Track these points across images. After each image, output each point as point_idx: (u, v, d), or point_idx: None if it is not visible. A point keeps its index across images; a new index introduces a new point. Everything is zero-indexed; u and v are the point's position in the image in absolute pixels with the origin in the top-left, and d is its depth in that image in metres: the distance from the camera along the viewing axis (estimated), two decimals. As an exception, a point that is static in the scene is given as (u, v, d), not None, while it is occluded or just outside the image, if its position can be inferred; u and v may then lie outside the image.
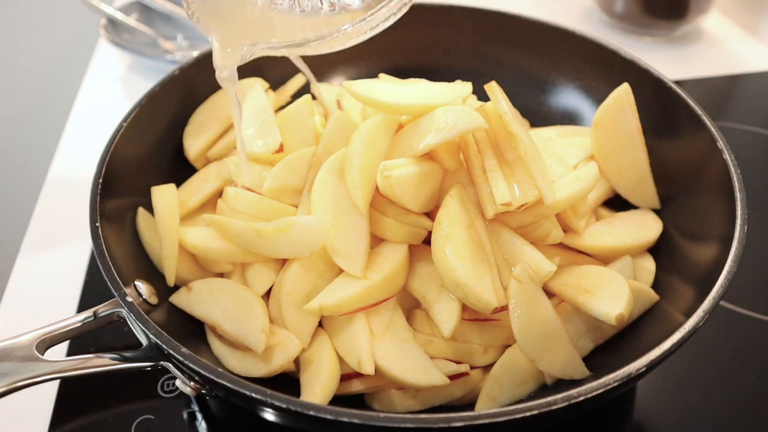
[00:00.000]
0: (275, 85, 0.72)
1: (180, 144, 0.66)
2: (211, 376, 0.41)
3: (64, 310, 0.64)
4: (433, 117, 0.53)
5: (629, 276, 0.56)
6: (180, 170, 0.65)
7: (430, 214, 0.54)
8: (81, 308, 0.64)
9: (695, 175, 0.58)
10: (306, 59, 0.75)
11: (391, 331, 0.51)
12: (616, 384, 0.40)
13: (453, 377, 0.49)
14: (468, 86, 0.59)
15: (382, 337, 0.50)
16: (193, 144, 0.65)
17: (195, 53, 0.68)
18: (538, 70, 0.75)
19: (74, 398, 0.57)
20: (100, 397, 0.56)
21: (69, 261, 0.69)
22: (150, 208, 0.59)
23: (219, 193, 0.61)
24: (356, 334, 0.49)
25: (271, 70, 0.73)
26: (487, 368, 0.51)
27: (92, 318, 0.49)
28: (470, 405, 0.50)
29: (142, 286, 0.51)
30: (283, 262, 0.55)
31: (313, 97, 0.69)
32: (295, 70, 0.73)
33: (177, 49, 1.01)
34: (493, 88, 0.54)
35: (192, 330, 0.54)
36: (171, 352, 0.42)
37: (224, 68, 0.47)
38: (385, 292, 0.51)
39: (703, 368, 0.59)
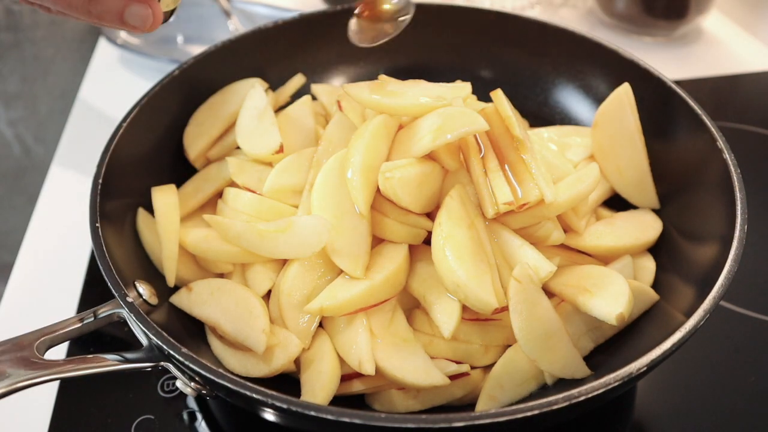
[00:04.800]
0: (275, 85, 0.72)
1: (180, 144, 0.66)
2: (212, 377, 0.41)
3: (64, 310, 0.64)
4: (433, 118, 0.53)
5: (629, 276, 0.56)
6: (180, 170, 0.65)
7: (431, 215, 0.54)
8: (81, 308, 0.64)
9: (695, 175, 0.58)
10: (306, 58, 0.75)
11: (392, 331, 0.51)
12: (617, 384, 0.40)
13: (453, 377, 0.49)
14: (468, 86, 0.59)
15: (383, 338, 0.50)
16: (194, 144, 0.65)
17: (195, 53, 0.68)
18: (538, 70, 0.75)
19: (74, 398, 0.57)
20: (100, 397, 0.56)
21: (69, 261, 0.69)
22: (150, 209, 0.59)
23: (219, 194, 0.61)
24: (356, 335, 0.49)
25: (271, 70, 0.73)
26: (487, 368, 0.51)
27: (92, 318, 0.49)
28: (471, 405, 0.50)
29: (143, 287, 0.51)
30: (283, 263, 0.55)
31: (314, 98, 0.69)
32: (295, 70, 0.73)
33: (177, 49, 1.01)
34: (498, 95, 0.55)
35: (192, 330, 0.54)
36: (171, 352, 0.42)
37: None
38: (386, 293, 0.51)
39: (703, 368, 0.59)
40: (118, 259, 0.50)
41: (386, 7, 0.58)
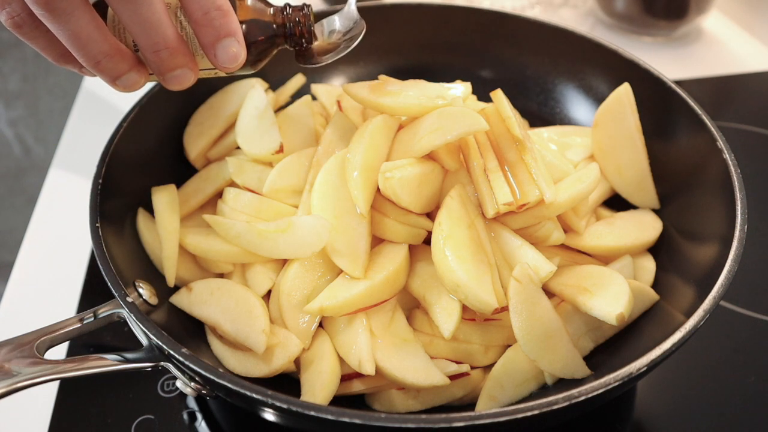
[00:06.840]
0: (275, 85, 0.72)
1: (180, 144, 0.66)
2: (212, 377, 0.41)
3: (64, 310, 0.64)
4: (433, 118, 0.53)
5: (629, 276, 0.56)
6: (180, 170, 0.65)
7: (431, 215, 0.54)
8: (81, 308, 0.64)
9: (695, 174, 0.58)
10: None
11: (392, 331, 0.51)
12: (617, 384, 0.40)
13: (453, 377, 0.49)
14: (468, 86, 0.59)
15: (383, 338, 0.50)
16: (194, 144, 0.65)
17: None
18: (538, 70, 0.75)
19: (74, 398, 0.57)
20: (100, 397, 0.56)
21: (69, 261, 0.69)
22: (150, 209, 0.59)
23: (219, 194, 0.61)
24: (357, 335, 0.49)
25: (271, 70, 0.72)
26: (487, 368, 0.51)
27: (92, 318, 0.49)
28: (471, 405, 0.50)
29: (143, 287, 0.51)
30: (283, 263, 0.55)
31: (313, 98, 0.69)
32: (295, 71, 0.73)
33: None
34: (498, 96, 0.55)
35: (192, 330, 0.54)
36: (171, 352, 0.42)
37: None
38: (386, 293, 0.51)
39: (703, 368, 0.59)
40: (118, 259, 0.50)
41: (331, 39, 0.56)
